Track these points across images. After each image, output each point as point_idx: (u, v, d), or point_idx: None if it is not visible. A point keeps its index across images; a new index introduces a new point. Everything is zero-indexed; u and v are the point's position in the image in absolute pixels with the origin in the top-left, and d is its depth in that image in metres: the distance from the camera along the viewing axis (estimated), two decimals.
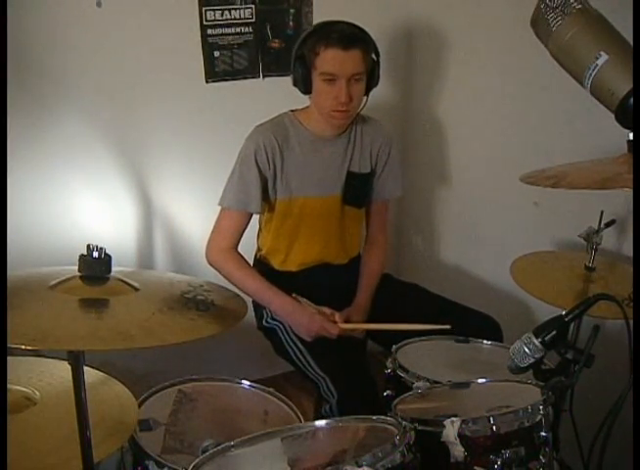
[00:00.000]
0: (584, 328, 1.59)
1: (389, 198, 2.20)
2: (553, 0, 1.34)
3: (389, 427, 1.30)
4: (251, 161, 1.94)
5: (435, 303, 2.11)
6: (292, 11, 2.37)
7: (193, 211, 2.38)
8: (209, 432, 1.53)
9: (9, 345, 1.02)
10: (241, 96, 2.35)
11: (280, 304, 1.97)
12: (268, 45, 2.37)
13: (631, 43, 1.28)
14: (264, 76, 2.38)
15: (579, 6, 1.32)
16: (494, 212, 2.45)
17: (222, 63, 2.31)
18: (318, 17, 2.36)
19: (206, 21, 2.24)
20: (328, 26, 1.86)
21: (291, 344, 1.98)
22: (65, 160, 2.15)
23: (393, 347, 1.85)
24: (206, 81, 2.30)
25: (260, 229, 2.14)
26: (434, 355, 1.86)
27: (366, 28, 1.89)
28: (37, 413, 1.28)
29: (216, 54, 2.29)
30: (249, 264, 2.04)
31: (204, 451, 1.24)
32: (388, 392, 1.73)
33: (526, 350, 1.35)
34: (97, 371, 1.42)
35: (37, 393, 1.32)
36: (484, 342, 1.91)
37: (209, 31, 2.26)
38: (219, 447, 1.24)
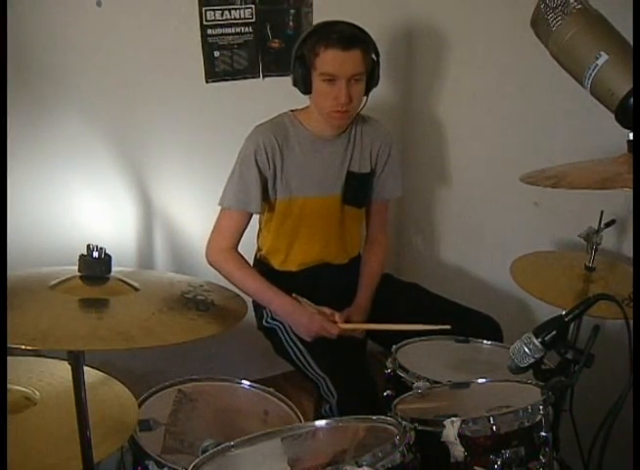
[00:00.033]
0: (584, 328, 1.59)
1: (389, 198, 2.20)
2: (553, 0, 1.34)
3: (389, 427, 1.30)
4: (251, 161, 1.94)
5: (435, 303, 2.11)
6: (292, 11, 2.37)
7: (193, 211, 2.38)
8: (209, 432, 1.53)
9: (9, 345, 1.02)
10: (241, 96, 2.35)
11: (280, 304, 1.97)
12: (268, 45, 2.37)
13: (631, 43, 1.28)
14: (264, 76, 2.38)
15: (579, 6, 1.32)
16: (494, 212, 2.45)
17: (222, 63, 2.31)
18: (318, 17, 2.36)
19: (206, 21, 2.24)
20: (328, 27, 1.86)
21: (291, 344, 1.98)
22: (65, 160, 2.15)
23: (393, 347, 1.85)
24: (206, 81, 2.30)
25: (260, 229, 2.14)
26: (435, 355, 1.86)
27: (366, 28, 1.89)
28: (37, 413, 1.28)
29: (216, 54, 2.29)
30: (249, 264, 2.05)
31: (204, 451, 1.24)
32: (388, 392, 1.73)
33: (526, 350, 1.35)
34: (97, 371, 1.42)
35: (37, 393, 1.32)
36: (484, 342, 1.91)
37: (209, 31, 2.26)
38: (219, 447, 1.24)
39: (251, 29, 2.32)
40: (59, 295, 1.17)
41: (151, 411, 1.56)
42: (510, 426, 1.33)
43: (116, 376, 1.44)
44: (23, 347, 1.01)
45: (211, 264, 2.01)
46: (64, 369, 1.22)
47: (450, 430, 1.31)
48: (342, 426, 1.38)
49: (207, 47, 2.27)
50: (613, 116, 1.29)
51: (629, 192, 1.16)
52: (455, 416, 1.33)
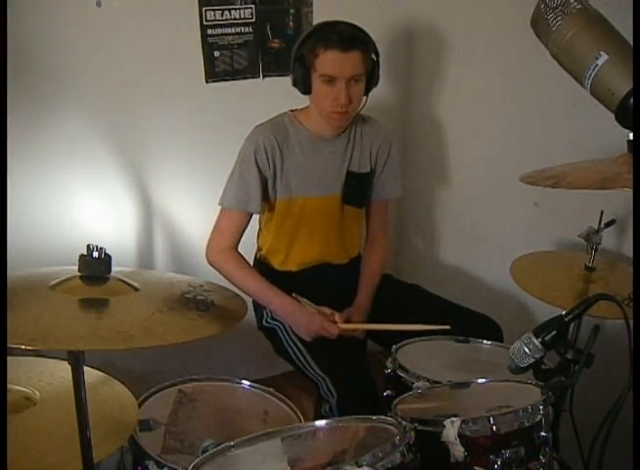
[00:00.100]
0: (584, 328, 1.59)
1: (389, 198, 2.20)
2: (553, 0, 1.34)
3: (389, 427, 1.30)
4: (251, 160, 1.94)
5: (435, 303, 2.11)
6: (292, 11, 2.37)
7: (193, 211, 2.38)
8: (209, 432, 1.53)
9: (9, 345, 1.02)
10: (241, 96, 2.35)
11: (280, 304, 1.97)
12: (268, 45, 2.37)
13: (631, 43, 1.28)
14: (264, 76, 2.38)
15: (579, 6, 1.32)
16: (494, 212, 2.45)
17: (222, 63, 2.31)
18: (318, 17, 2.36)
19: (206, 21, 2.24)
20: (327, 27, 1.86)
21: (291, 344, 1.98)
22: (65, 160, 2.15)
23: (393, 347, 1.85)
24: (206, 81, 2.30)
25: (260, 229, 2.14)
26: (434, 355, 1.86)
27: (366, 29, 1.89)
28: (37, 413, 1.28)
29: (216, 54, 2.29)
30: (249, 264, 2.05)
31: (204, 451, 1.24)
32: (388, 392, 1.73)
33: (526, 350, 1.35)
34: (97, 371, 1.42)
35: (37, 393, 1.32)
36: (484, 342, 1.91)
37: (209, 31, 2.26)
38: (219, 447, 1.24)
39: (251, 29, 2.32)
40: (59, 295, 1.17)
41: (151, 411, 1.56)
42: (510, 426, 1.32)
43: (116, 376, 1.44)
44: (23, 347, 1.01)
45: (211, 264, 2.01)
46: (64, 369, 1.22)
47: (450, 430, 1.31)
48: (343, 426, 1.38)
49: (207, 47, 2.27)
50: (613, 116, 1.29)
51: (629, 192, 1.16)
52: (455, 416, 1.32)
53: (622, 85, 1.25)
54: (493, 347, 1.90)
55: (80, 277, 1.22)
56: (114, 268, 1.25)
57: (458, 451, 1.31)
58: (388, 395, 1.72)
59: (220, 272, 1.98)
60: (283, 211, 2.02)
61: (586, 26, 1.32)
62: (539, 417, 1.33)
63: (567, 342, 1.37)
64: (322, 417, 1.76)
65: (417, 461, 1.22)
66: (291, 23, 2.38)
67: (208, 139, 2.34)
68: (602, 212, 1.84)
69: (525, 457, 1.32)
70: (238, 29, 2.30)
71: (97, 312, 1.15)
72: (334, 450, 1.31)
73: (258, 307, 2.08)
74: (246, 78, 2.36)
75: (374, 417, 1.35)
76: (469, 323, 1.97)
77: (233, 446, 1.25)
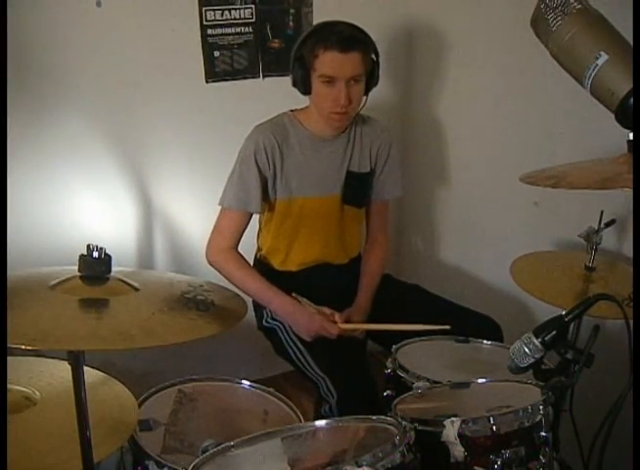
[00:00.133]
0: (584, 328, 1.59)
1: (389, 198, 2.20)
2: (553, 0, 1.34)
3: (389, 427, 1.30)
4: (251, 160, 1.94)
5: (435, 303, 2.11)
6: (292, 11, 2.37)
7: (193, 211, 2.38)
8: (209, 432, 1.53)
9: (9, 345, 1.02)
10: (241, 96, 2.35)
11: (280, 304, 1.97)
12: (268, 45, 2.37)
13: (631, 43, 1.28)
14: (264, 76, 2.38)
15: (579, 6, 1.32)
16: (494, 212, 2.45)
17: (222, 63, 2.31)
18: (318, 17, 2.36)
19: (206, 21, 2.24)
20: (327, 28, 1.86)
21: (291, 344, 1.98)
22: (65, 160, 2.15)
23: (393, 347, 1.85)
24: (206, 81, 2.30)
25: (260, 229, 2.14)
26: (434, 355, 1.86)
27: (366, 29, 1.88)
28: (37, 413, 1.28)
29: (216, 54, 2.29)
30: (249, 264, 2.05)
31: (204, 451, 1.24)
32: (388, 392, 1.73)
33: (526, 350, 1.35)
34: (97, 371, 1.42)
35: (37, 393, 1.32)
36: (484, 342, 1.91)
37: (209, 31, 2.26)
38: (219, 447, 1.24)
39: (251, 29, 2.32)
40: (59, 295, 1.17)
41: (151, 411, 1.56)
42: (510, 426, 1.33)
43: (116, 376, 1.44)
44: (23, 347, 1.01)
45: (211, 264, 2.01)
46: (64, 369, 1.22)
47: (450, 430, 1.31)
48: (342, 426, 1.38)
49: (207, 47, 2.27)
50: (613, 116, 1.29)
51: (629, 192, 1.16)
52: (455, 416, 1.33)
53: (622, 85, 1.25)
54: (493, 347, 1.90)
55: (80, 277, 1.22)
56: (114, 268, 1.25)
57: (458, 451, 1.31)
58: (388, 395, 1.72)
59: (220, 272, 1.98)
60: (283, 211, 2.02)
61: (586, 26, 1.32)
62: (539, 417, 1.33)
63: (567, 342, 1.37)
64: (322, 417, 1.76)
65: (417, 461, 1.22)
66: (291, 23, 2.38)
67: (208, 139, 2.34)
68: (602, 212, 1.84)
69: (525, 457, 1.33)
70: (238, 29, 2.30)
71: (97, 312, 1.15)
72: (334, 450, 1.31)
73: (258, 307, 2.08)
74: (246, 78, 2.36)
75: (374, 417, 1.35)
76: (469, 323, 1.97)
77: (233, 446, 1.25)
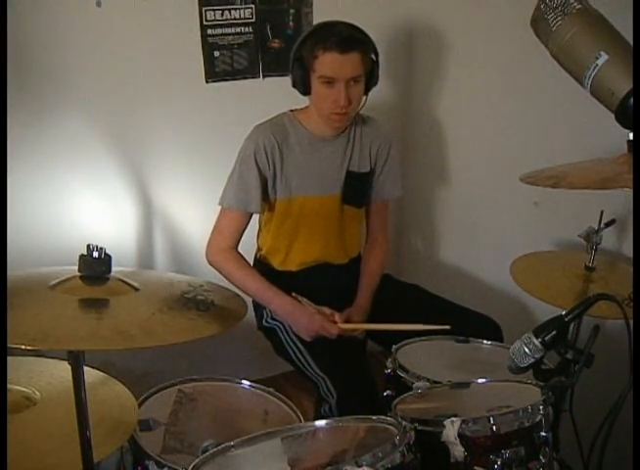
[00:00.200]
0: (584, 328, 1.59)
1: (389, 198, 2.20)
2: (553, 0, 1.34)
3: (389, 427, 1.30)
4: (251, 160, 1.94)
5: (435, 303, 2.11)
6: (292, 11, 2.37)
7: (193, 211, 2.38)
8: (209, 432, 1.53)
9: (9, 345, 1.02)
10: (241, 96, 2.35)
11: (280, 303, 1.97)
12: (268, 45, 2.37)
13: (631, 43, 1.28)
14: (264, 76, 2.38)
15: (579, 6, 1.32)
16: (494, 212, 2.45)
17: (222, 63, 2.31)
18: (318, 17, 2.36)
19: (206, 21, 2.24)
20: (326, 28, 1.86)
21: (291, 344, 1.98)
22: (65, 160, 2.15)
23: (393, 347, 1.85)
24: (206, 81, 2.30)
25: (260, 229, 2.14)
26: (434, 355, 1.86)
27: (366, 29, 1.88)
28: (37, 413, 1.28)
29: (216, 54, 2.29)
30: (249, 264, 2.05)
31: (204, 451, 1.24)
32: (388, 392, 1.73)
33: (526, 350, 1.35)
34: (97, 371, 1.42)
35: (37, 393, 1.32)
36: (484, 342, 1.91)
37: (209, 31, 2.26)
38: (219, 447, 1.24)
39: (251, 29, 2.32)
40: (59, 295, 1.17)
41: (151, 411, 1.56)
42: (510, 426, 1.33)
43: (116, 376, 1.44)
44: (23, 347, 1.01)
45: (211, 264, 2.01)
46: (64, 369, 1.22)
47: (450, 430, 1.31)
48: (342, 426, 1.38)
49: (207, 47, 2.27)
50: (613, 116, 1.29)
51: (629, 192, 1.16)
52: (455, 416, 1.33)
53: (622, 85, 1.25)
54: (493, 347, 1.90)
55: (80, 277, 1.22)
56: (114, 268, 1.25)
57: (458, 451, 1.31)
58: (388, 395, 1.72)
59: (220, 272, 1.98)
60: (283, 210, 2.02)
61: (586, 26, 1.32)
62: (539, 417, 1.33)
63: (567, 342, 1.37)
64: (322, 417, 1.76)
65: (417, 461, 1.22)
66: (291, 23, 2.38)
67: (208, 139, 2.34)
68: (602, 212, 1.84)
69: (525, 457, 1.33)
70: (238, 29, 2.30)
71: (97, 312, 1.15)
72: (334, 450, 1.31)
73: (258, 307, 2.08)
74: (246, 78, 2.36)
75: (374, 417, 1.35)
76: (469, 323, 1.97)
77: (233, 446, 1.25)
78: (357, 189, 2.09)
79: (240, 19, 2.29)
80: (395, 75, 2.60)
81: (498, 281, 2.38)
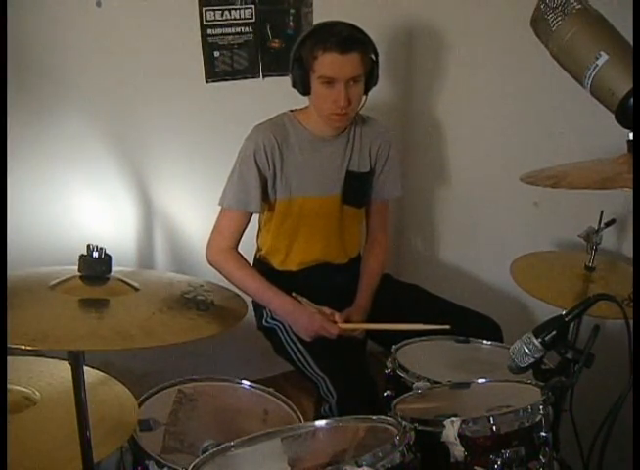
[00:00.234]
0: (584, 328, 1.59)
1: (389, 198, 2.20)
2: (553, 0, 1.34)
3: (389, 427, 1.30)
4: (251, 160, 1.94)
5: (435, 303, 2.11)
6: (292, 11, 2.37)
7: (193, 211, 2.38)
8: (209, 432, 1.53)
9: (9, 345, 1.02)
10: (241, 96, 2.35)
11: (280, 303, 1.97)
12: (268, 45, 2.37)
13: (631, 43, 1.28)
14: (264, 76, 2.38)
15: (579, 6, 1.32)
16: (494, 212, 2.45)
17: (222, 63, 2.31)
18: (318, 17, 2.36)
19: (206, 21, 2.24)
20: (326, 29, 1.86)
21: (290, 344, 1.98)
22: (65, 160, 2.15)
23: (393, 347, 1.85)
24: (206, 81, 2.30)
25: (260, 229, 2.14)
26: (434, 355, 1.86)
27: (366, 29, 1.88)
28: (37, 413, 1.28)
29: (216, 54, 2.29)
30: (249, 264, 2.05)
31: (204, 451, 1.24)
32: (388, 392, 1.73)
33: (526, 350, 1.35)
34: (97, 371, 1.42)
35: (37, 393, 1.32)
36: (484, 342, 1.91)
37: (209, 31, 2.26)
38: (219, 447, 1.24)
39: (251, 29, 2.32)
40: (59, 295, 1.17)
41: (151, 411, 1.56)
42: (510, 426, 1.33)
43: (116, 376, 1.44)
44: (23, 347, 1.01)
45: (211, 264, 2.01)
46: (64, 369, 1.22)
47: (450, 430, 1.31)
48: (343, 426, 1.38)
49: (207, 47, 2.27)
50: (613, 116, 1.29)
51: (629, 192, 1.16)
52: (455, 416, 1.32)
53: (622, 85, 1.25)
54: (493, 347, 1.90)
55: (80, 277, 1.22)
56: (114, 268, 1.25)
57: (458, 451, 1.31)
58: (388, 395, 1.72)
59: (220, 272, 1.99)
60: (283, 210, 2.02)
61: (586, 26, 1.32)
62: (539, 417, 1.33)
63: (567, 342, 1.37)
64: (322, 417, 1.76)
65: (417, 461, 1.22)
66: (291, 23, 2.38)
67: (208, 139, 2.34)
68: (602, 212, 1.84)
69: (525, 457, 1.33)
70: (238, 29, 2.30)
71: (97, 312, 1.15)
72: (334, 450, 1.31)
73: (258, 307, 2.08)
74: (246, 78, 2.36)
75: (374, 417, 1.35)
76: (469, 323, 1.97)
77: (233, 446, 1.25)
78: (357, 189, 2.09)
79: (240, 19, 2.29)
80: (395, 75, 2.60)
81: (498, 281, 2.38)
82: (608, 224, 1.85)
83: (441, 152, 2.60)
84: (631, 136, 1.28)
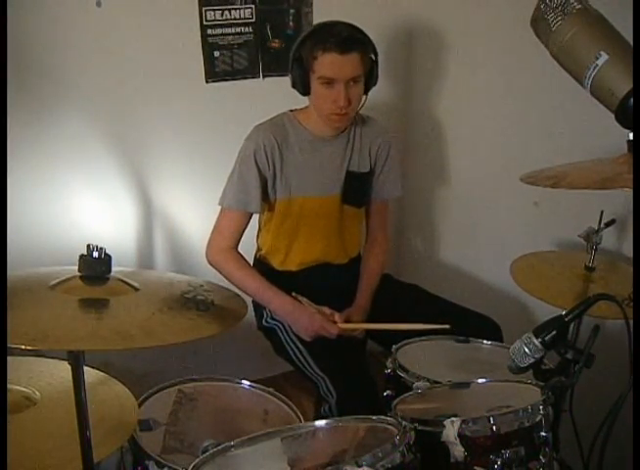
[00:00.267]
0: (584, 328, 1.59)
1: (389, 198, 2.20)
2: (553, 0, 1.34)
3: (389, 427, 1.30)
4: (251, 160, 1.94)
5: (435, 303, 2.11)
6: (292, 11, 2.37)
7: (193, 211, 2.38)
8: (209, 432, 1.53)
9: (9, 345, 1.02)
10: (241, 96, 2.35)
11: (280, 303, 1.97)
12: (268, 45, 2.37)
13: (631, 43, 1.28)
14: (264, 76, 2.38)
15: (579, 6, 1.32)
16: (494, 212, 2.45)
17: (222, 63, 2.31)
18: (318, 17, 2.36)
19: (206, 21, 2.24)
20: (326, 29, 1.86)
21: (290, 344, 1.98)
22: (65, 160, 2.15)
23: (393, 347, 1.85)
24: (206, 81, 2.30)
25: (260, 229, 2.14)
26: (434, 355, 1.86)
27: (366, 29, 1.88)
28: (37, 413, 1.28)
29: (216, 54, 2.29)
30: (249, 264, 2.05)
31: (204, 451, 1.24)
32: (388, 392, 1.73)
33: (526, 350, 1.35)
34: (97, 371, 1.42)
35: (37, 393, 1.32)
36: (484, 342, 1.91)
37: (209, 31, 2.26)
38: (219, 447, 1.24)
39: (251, 29, 2.32)
40: (59, 295, 1.17)
41: (151, 411, 1.56)
42: (510, 426, 1.32)
43: (116, 376, 1.44)
44: (23, 347, 1.01)
45: (211, 264, 2.01)
46: (64, 369, 1.22)
47: (450, 430, 1.31)
48: (342, 426, 1.38)
49: (207, 47, 2.27)
50: (613, 116, 1.29)
51: (629, 192, 1.16)
52: (455, 416, 1.32)
53: (622, 85, 1.25)
54: (493, 347, 1.90)
55: (80, 277, 1.22)
56: (114, 268, 1.25)
57: (458, 451, 1.31)
58: (388, 395, 1.72)
59: (220, 272, 1.99)
60: (283, 210, 2.02)
61: (586, 26, 1.32)
62: (539, 417, 1.33)
63: (567, 342, 1.37)
64: (322, 417, 1.76)
65: (417, 461, 1.22)
66: (291, 23, 2.38)
67: (208, 139, 2.34)
68: (602, 212, 1.84)
69: (525, 457, 1.32)
70: (238, 29, 2.30)
71: (97, 312, 1.15)
72: (334, 450, 1.31)
73: (258, 307, 2.08)
74: (246, 78, 2.36)
75: (374, 417, 1.35)
76: (469, 323, 1.97)
77: (233, 446, 1.25)
78: (357, 189, 2.09)
79: (240, 19, 2.29)
80: (395, 75, 2.60)
81: (498, 281, 2.38)
82: (608, 224, 1.85)
83: (441, 152, 2.60)
84: (631, 136, 1.28)
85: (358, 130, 2.06)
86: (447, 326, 1.82)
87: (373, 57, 1.93)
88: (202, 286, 1.35)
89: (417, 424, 1.34)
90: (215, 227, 2.01)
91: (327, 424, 1.36)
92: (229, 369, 1.85)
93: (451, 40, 2.46)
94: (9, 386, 1.29)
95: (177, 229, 2.40)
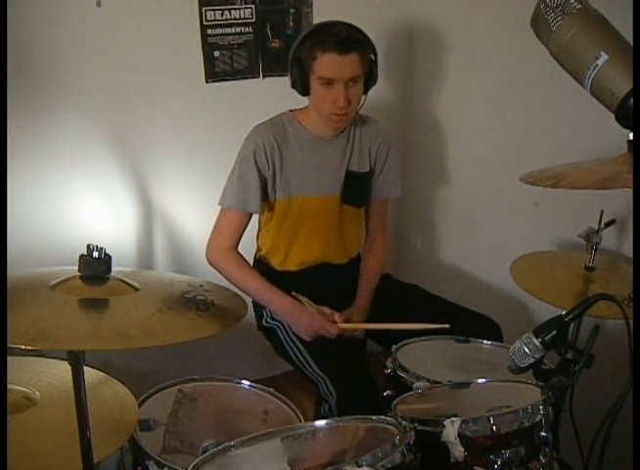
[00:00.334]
0: (584, 328, 1.59)
1: (389, 198, 2.20)
2: (553, 0, 1.34)
3: (389, 427, 1.30)
4: (251, 161, 1.94)
5: (435, 303, 2.11)
6: (292, 11, 2.37)
7: (193, 211, 2.38)
8: (209, 432, 1.53)
9: (9, 345, 1.02)
10: (241, 96, 2.35)
11: (280, 303, 1.97)
12: (268, 45, 2.37)
13: (631, 43, 1.28)
14: (264, 76, 2.38)
15: (579, 6, 1.32)
16: (494, 212, 2.45)
17: (222, 63, 2.31)
18: (318, 17, 2.36)
19: (206, 21, 2.24)
20: (325, 29, 1.86)
21: (290, 344, 1.98)
22: (65, 160, 2.15)
23: (393, 347, 1.85)
24: (206, 81, 2.30)
25: (260, 229, 2.14)
26: (434, 355, 1.86)
27: (365, 29, 1.88)
28: (37, 413, 1.28)
29: (216, 54, 2.29)
30: (249, 264, 2.05)
31: (204, 451, 1.24)
32: (388, 392, 1.73)
33: (526, 350, 1.35)
34: (97, 371, 1.42)
35: (37, 393, 1.32)
36: (484, 342, 1.91)
37: (209, 31, 2.26)
38: (219, 447, 1.24)
39: (251, 29, 2.32)
40: (59, 295, 1.17)
41: (151, 411, 1.56)
42: (510, 426, 1.33)
43: (116, 376, 1.44)
44: (23, 347, 1.01)
45: (211, 264, 2.01)
46: (64, 369, 1.22)
47: (450, 430, 1.31)
48: (342, 426, 1.38)
49: (207, 47, 2.27)
50: (613, 116, 1.29)
51: (629, 192, 1.16)
52: (455, 416, 1.33)
53: (622, 85, 1.25)
54: (493, 347, 1.90)
55: (80, 277, 1.22)
56: (114, 268, 1.25)
57: (458, 451, 1.31)
58: (388, 395, 1.72)
59: (220, 272, 1.99)
60: (282, 211, 2.02)
61: (586, 26, 1.32)
62: (539, 417, 1.33)
63: (567, 342, 1.37)
64: (322, 417, 1.76)
65: (417, 461, 1.22)
66: (291, 23, 2.38)
67: (208, 139, 2.34)
68: (602, 212, 1.84)
69: (525, 457, 1.33)
70: (238, 29, 2.30)
71: (97, 312, 1.15)
72: (334, 450, 1.31)
73: (258, 307, 2.08)
74: (246, 78, 2.36)
75: (374, 417, 1.35)
76: (469, 323, 1.97)
77: (233, 446, 1.25)
78: (357, 189, 2.09)
79: (240, 19, 2.29)
80: (395, 76, 2.60)
81: (498, 281, 2.38)
82: (608, 224, 1.85)
83: (441, 152, 2.60)
84: (631, 136, 1.28)
85: (358, 130, 2.06)
86: (447, 326, 1.82)
87: (372, 57, 1.93)
88: (202, 286, 1.35)
89: (417, 424, 1.34)
90: (215, 227, 2.01)
91: (327, 424, 1.36)
92: (229, 369, 1.85)
93: (451, 40, 2.46)
94: (9, 386, 1.29)
95: (177, 229, 2.40)
